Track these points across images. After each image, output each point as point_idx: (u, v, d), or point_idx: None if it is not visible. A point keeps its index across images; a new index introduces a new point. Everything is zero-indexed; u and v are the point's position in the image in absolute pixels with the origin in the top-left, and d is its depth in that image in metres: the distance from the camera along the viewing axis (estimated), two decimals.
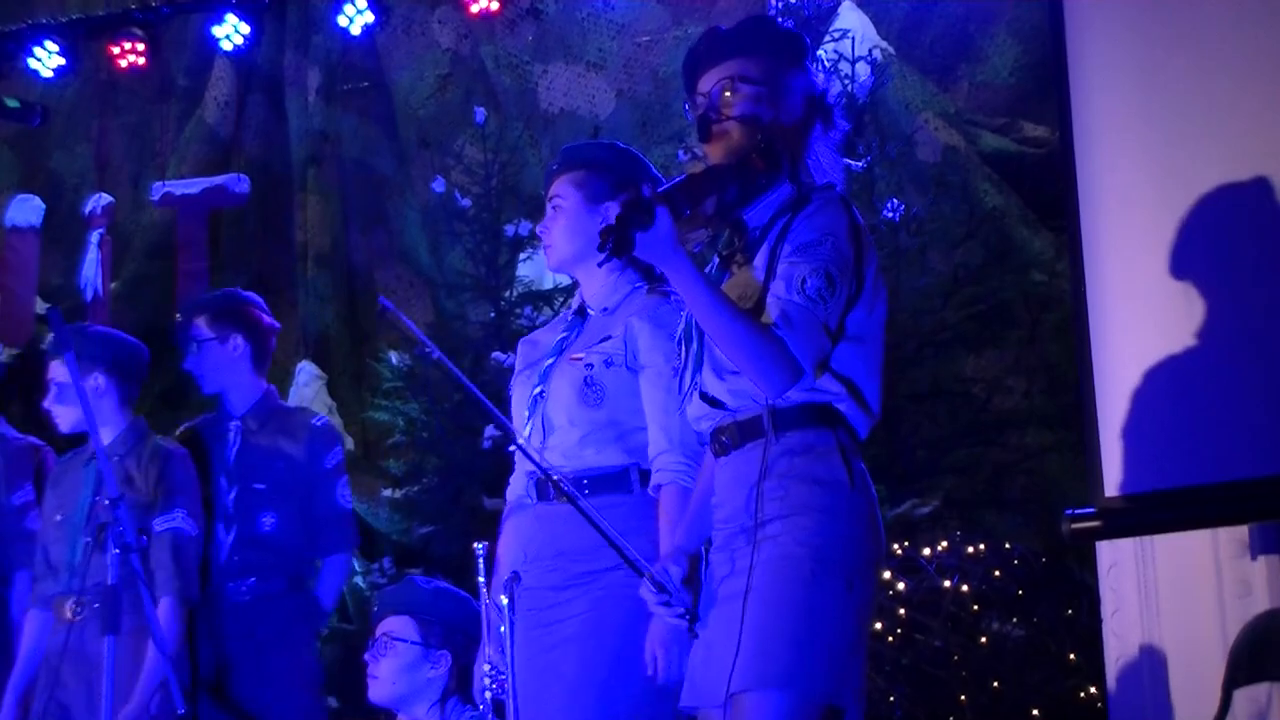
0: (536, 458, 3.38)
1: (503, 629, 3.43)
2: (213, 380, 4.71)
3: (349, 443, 6.55)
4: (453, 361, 5.37)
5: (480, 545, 3.55)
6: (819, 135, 3.10)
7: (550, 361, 3.60)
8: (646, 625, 3.30)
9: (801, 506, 2.90)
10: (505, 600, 3.45)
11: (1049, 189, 5.79)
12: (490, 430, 6.22)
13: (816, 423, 2.98)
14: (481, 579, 3.55)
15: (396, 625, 4.17)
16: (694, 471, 3.35)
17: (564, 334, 3.65)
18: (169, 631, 4.35)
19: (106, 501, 4.09)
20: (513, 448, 3.72)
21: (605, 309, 3.58)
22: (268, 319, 4.80)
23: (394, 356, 6.83)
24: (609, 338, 3.53)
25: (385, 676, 4.12)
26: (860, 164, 6.05)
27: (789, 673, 2.83)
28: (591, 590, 3.41)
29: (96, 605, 4.34)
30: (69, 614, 4.45)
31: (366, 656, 4.19)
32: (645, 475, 3.49)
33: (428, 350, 3.37)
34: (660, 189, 2.95)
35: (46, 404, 4.57)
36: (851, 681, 2.89)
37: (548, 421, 3.54)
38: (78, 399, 4.27)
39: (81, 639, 4.44)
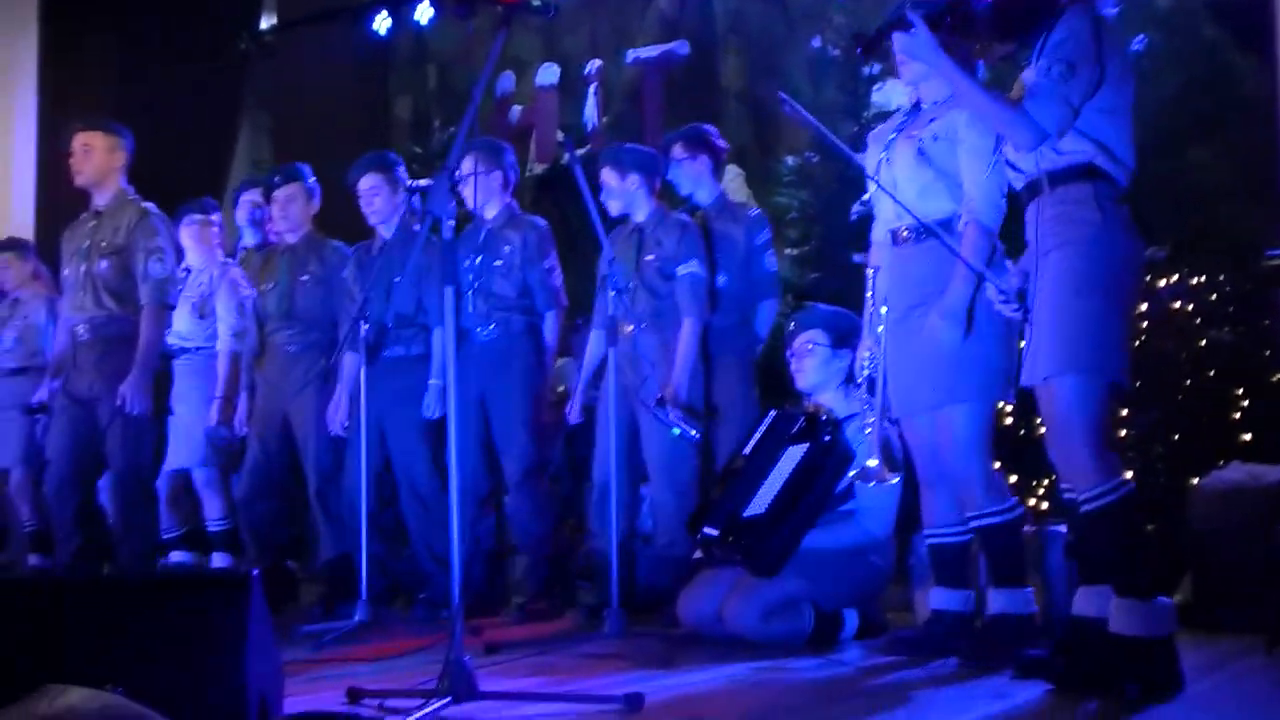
0: (894, 195, 3.59)
1: (880, 328, 3.70)
2: (687, 185, 5.35)
3: None
4: (823, 164, 5.75)
5: (873, 269, 3.79)
6: None
7: (893, 137, 3.82)
8: (979, 324, 3.55)
9: (1068, 239, 3.14)
10: (885, 310, 3.73)
11: (1257, 21, 6.13)
12: (856, 208, 6.60)
13: (1079, 179, 3.17)
14: (869, 293, 3.79)
15: (813, 335, 4.53)
16: (991, 213, 3.57)
17: (904, 119, 3.88)
18: (691, 342, 4.94)
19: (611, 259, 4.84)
20: (862, 203, 4.17)
21: (935, 101, 3.78)
22: (721, 142, 5.42)
23: (789, 160, 7.46)
24: (935, 119, 3.74)
25: (807, 370, 4.54)
26: (1114, 9, 5.51)
27: (1076, 360, 3.06)
28: (934, 302, 3.66)
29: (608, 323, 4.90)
30: (622, 331, 4.97)
31: (790, 356, 4.62)
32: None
33: (815, 126, 3.62)
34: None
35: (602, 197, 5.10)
36: (1121, 363, 3.11)
37: (891, 180, 3.73)
38: (616, 196, 5.07)
39: (632, 345, 5.05)
